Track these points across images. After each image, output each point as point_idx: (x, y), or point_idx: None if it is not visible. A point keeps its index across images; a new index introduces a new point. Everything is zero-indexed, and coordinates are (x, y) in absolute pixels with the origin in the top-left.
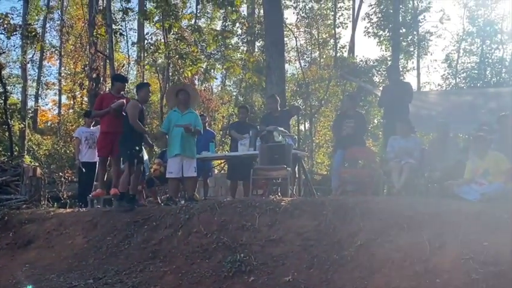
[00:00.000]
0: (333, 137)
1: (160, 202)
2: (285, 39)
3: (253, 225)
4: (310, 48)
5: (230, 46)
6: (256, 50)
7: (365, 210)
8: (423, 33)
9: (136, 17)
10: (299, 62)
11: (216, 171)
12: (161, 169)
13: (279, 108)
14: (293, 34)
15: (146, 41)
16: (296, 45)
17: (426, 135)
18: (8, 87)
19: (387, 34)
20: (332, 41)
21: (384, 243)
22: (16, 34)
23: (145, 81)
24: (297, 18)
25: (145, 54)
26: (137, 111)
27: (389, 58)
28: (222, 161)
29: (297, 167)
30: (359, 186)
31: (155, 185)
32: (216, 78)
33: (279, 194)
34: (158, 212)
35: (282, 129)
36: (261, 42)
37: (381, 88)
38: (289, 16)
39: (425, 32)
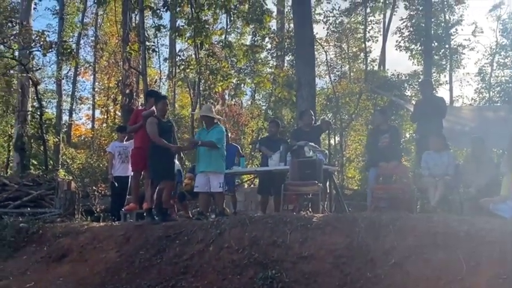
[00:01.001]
0: (366, 153)
1: (191, 216)
2: (315, 53)
3: (285, 242)
4: (340, 62)
5: (260, 60)
6: (285, 64)
7: (399, 228)
8: (455, 47)
9: (168, 33)
10: (329, 76)
11: (246, 185)
12: (192, 183)
13: (311, 124)
14: (323, 48)
15: (178, 57)
16: (326, 59)
17: (460, 151)
18: (44, 102)
19: (419, 48)
20: (362, 54)
21: (418, 262)
22: (52, 51)
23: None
24: (327, 32)
25: (177, 70)
26: (155, 126)
27: (421, 72)
28: (253, 175)
29: (328, 182)
30: (392, 202)
31: (186, 199)
32: (246, 94)
33: (310, 210)
34: (189, 226)
35: (312, 144)
36: (290, 56)
37: (413, 102)
38: (319, 31)
39: (458, 45)
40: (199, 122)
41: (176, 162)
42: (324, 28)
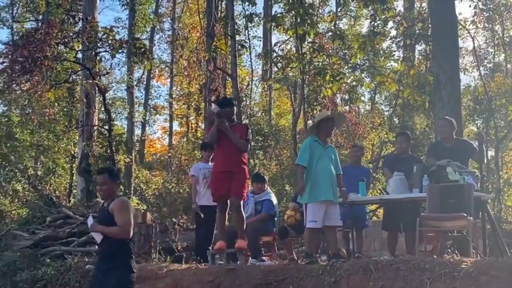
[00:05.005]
0: None
1: (296, 258)
2: (459, 40)
3: None
4: (492, 50)
5: (381, 53)
6: (417, 56)
7: None
8: None
9: (262, 22)
10: (478, 70)
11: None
12: (297, 216)
13: (454, 136)
14: (469, 33)
15: (274, 53)
16: (473, 47)
17: None
18: (112, 114)
19: None
20: None
21: None
22: (122, 51)
23: (265, 100)
24: (474, 11)
25: (274, 69)
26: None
27: None
28: (376, 205)
29: (480, 214)
30: None
31: (289, 235)
32: (363, 101)
33: (457, 252)
34: (295, 271)
35: (458, 163)
36: (423, 45)
37: None
38: (463, 10)
39: None
40: (302, 135)
41: (268, 190)
42: (470, 6)
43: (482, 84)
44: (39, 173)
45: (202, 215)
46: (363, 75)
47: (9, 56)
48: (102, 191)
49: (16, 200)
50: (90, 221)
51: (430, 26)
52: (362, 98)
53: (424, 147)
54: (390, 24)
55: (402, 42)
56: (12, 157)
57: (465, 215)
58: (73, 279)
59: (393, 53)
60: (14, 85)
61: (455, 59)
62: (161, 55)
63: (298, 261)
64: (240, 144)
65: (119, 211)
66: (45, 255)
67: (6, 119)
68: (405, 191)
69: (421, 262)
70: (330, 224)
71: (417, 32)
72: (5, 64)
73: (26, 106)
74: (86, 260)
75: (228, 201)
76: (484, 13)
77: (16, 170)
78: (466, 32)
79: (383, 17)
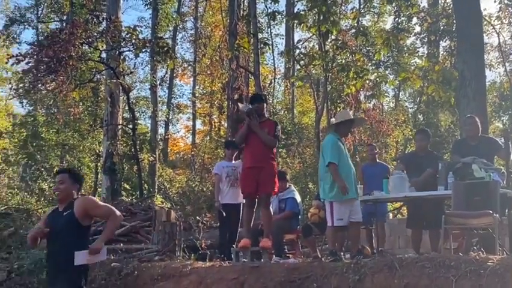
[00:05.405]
0: None
1: (320, 256)
2: (484, 36)
3: None
4: None
5: (405, 49)
6: (441, 52)
7: None
8: None
9: (284, 20)
10: (503, 66)
11: (391, 215)
12: (321, 214)
13: (480, 134)
14: (494, 28)
15: (297, 50)
16: (499, 43)
17: None
18: (136, 113)
19: None
20: None
21: None
22: (146, 51)
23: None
24: (499, 7)
25: (296, 67)
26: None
27: None
28: (399, 202)
29: (506, 211)
30: None
31: (313, 233)
32: (387, 96)
33: (482, 250)
34: (319, 269)
35: (484, 160)
36: (447, 41)
37: None
38: (488, 5)
39: None
40: (325, 133)
41: (292, 187)
42: (494, 2)
43: (508, 80)
44: None
45: (224, 214)
46: (387, 72)
47: (35, 56)
48: (59, 190)
49: (42, 199)
50: (81, 256)
51: (455, 21)
52: (386, 96)
53: (449, 144)
54: (415, 20)
55: (426, 38)
56: (39, 156)
57: (491, 212)
58: (98, 276)
59: (418, 49)
60: (40, 85)
61: (480, 55)
62: (184, 54)
63: (322, 259)
64: (267, 140)
65: (94, 206)
66: None
67: (32, 119)
68: (404, 190)
69: (446, 260)
70: (354, 219)
71: (442, 28)
72: (30, 64)
73: (52, 106)
74: (112, 257)
75: (256, 199)
76: (509, 8)
77: (42, 169)
78: (491, 27)
79: (407, 13)
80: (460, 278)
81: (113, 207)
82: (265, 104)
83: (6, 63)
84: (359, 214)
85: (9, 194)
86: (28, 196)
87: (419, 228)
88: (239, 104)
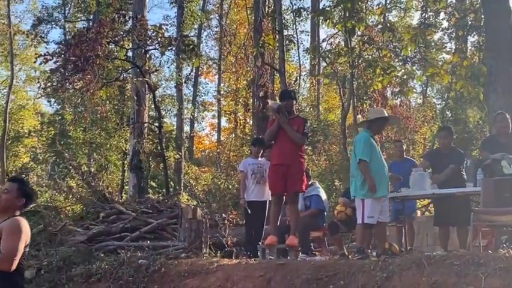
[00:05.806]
0: None
1: (347, 254)
2: None
3: None
4: None
5: (433, 45)
6: (469, 47)
7: None
8: None
9: (310, 17)
10: None
11: (419, 213)
12: (348, 211)
13: (510, 131)
14: None
15: (323, 47)
16: None
17: None
18: (162, 111)
19: None
20: None
21: None
22: (171, 49)
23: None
24: None
25: (322, 64)
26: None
27: None
28: (428, 200)
29: None
30: None
31: (340, 231)
32: (415, 92)
33: None
34: (346, 267)
35: None
36: (475, 36)
37: None
38: None
39: None
40: (352, 130)
41: (317, 184)
42: None
43: None
44: (92, 169)
45: (249, 211)
46: (414, 67)
47: (62, 56)
48: (1, 199)
49: (70, 196)
50: None
51: (483, 16)
52: (414, 92)
53: (477, 140)
54: (442, 15)
55: (454, 33)
56: (66, 154)
57: None
58: (126, 273)
59: (445, 44)
60: (67, 84)
61: (510, 50)
62: (209, 52)
63: (349, 256)
64: (296, 137)
65: (8, 234)
66: (99, 250)
67: (60, 117)
68: (424, 187)
69: (475, 257)
70: (382, 220)
71: (470, 23)
72: (58, 63)
73: (79, 104)
74: (139, 254)
75: (284, 197)
76: None
77: (70, 167)
78: None
79: (434, 8)
80: (489, 275)
81: (14, 252)
82: (294, 101)
83: (35, 62)
84: (386, 214)
85: (38, 192)
86: (56, 194)
87: (446, 226)
88: (268, 101)
